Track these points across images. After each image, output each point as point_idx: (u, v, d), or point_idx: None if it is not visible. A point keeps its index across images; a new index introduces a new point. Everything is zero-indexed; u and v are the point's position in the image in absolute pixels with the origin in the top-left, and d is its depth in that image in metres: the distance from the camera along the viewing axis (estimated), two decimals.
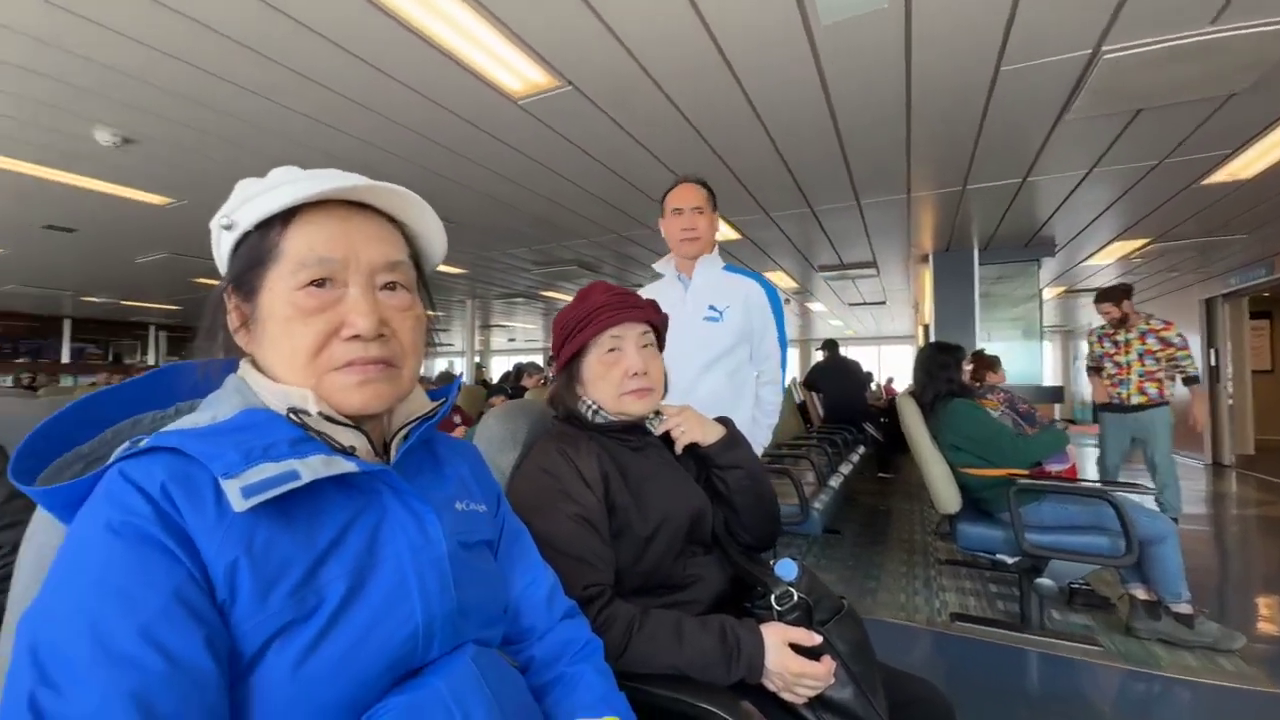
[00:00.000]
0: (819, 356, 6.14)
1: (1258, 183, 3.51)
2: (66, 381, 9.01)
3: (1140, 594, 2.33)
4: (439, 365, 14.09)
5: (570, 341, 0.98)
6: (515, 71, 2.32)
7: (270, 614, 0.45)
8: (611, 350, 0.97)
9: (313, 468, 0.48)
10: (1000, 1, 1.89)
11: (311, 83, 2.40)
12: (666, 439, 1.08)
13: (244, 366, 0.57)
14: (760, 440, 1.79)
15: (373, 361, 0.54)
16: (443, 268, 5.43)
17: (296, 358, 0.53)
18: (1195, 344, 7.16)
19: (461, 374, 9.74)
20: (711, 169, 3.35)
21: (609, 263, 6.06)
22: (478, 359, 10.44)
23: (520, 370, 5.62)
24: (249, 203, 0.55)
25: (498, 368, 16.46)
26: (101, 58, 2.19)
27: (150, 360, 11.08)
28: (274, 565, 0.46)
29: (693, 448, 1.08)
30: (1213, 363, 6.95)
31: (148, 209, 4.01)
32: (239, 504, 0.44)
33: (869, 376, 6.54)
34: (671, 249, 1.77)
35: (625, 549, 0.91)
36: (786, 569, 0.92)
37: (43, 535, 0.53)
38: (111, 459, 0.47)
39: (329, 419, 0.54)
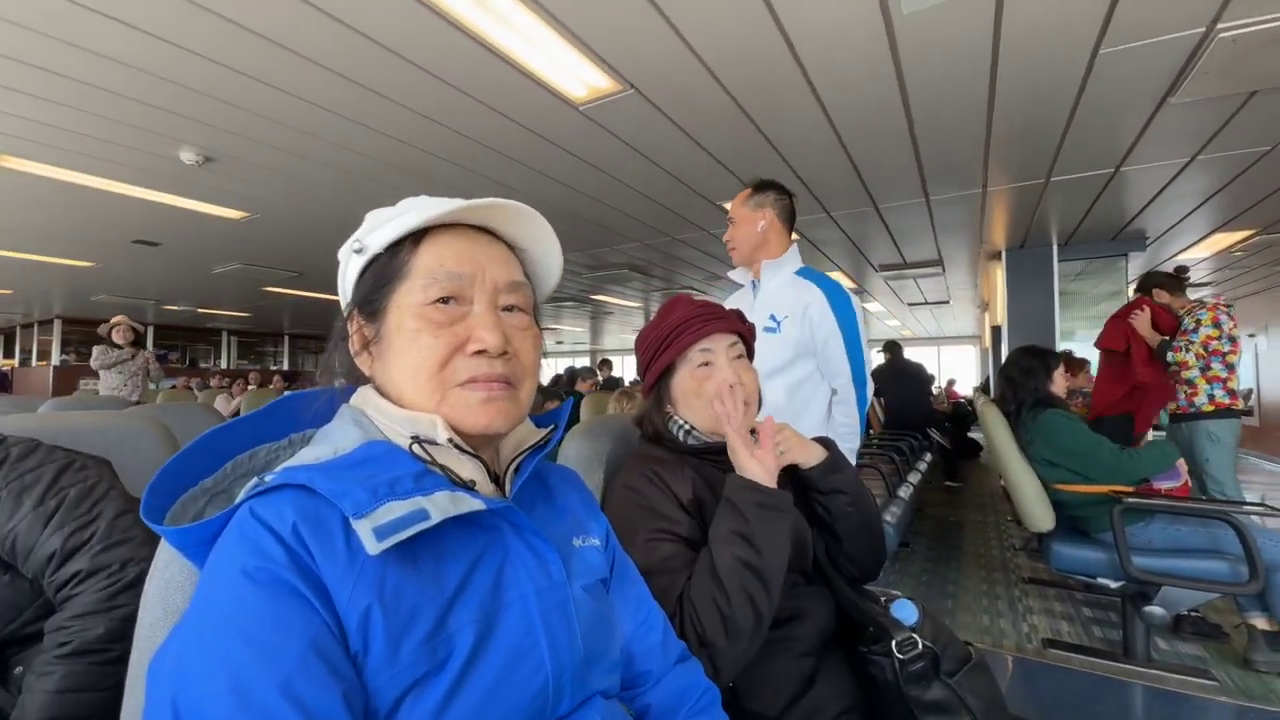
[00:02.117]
0: (879, 359, 5.92)
1: None
2: (149, 385, 9.62)
3: (1261, 624, 2.11)
4: None
5: (657, 360, 0.93)
6: (579, 78, 2.31)
7: (403, 667, 0.42)
8: (703, 365, 0.92)
9: (441, 506, 0.46)
10: None
11: (380, 97, 2.45)
12: None
13: (361, 394, 0.56)
14: None
15: (496, 378, 0.53)
16: None
17: (422, 371, 0.51)
18: None
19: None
20: (772, 168, 3.26)
21: (659, 265, 6.02)
22: None
23: (574, 374, 5.64)
24: (380, 228, 0.55)
25: (545, 370, 16.68)
26: (188, 81, 2.30)
27: (223, 364, 11.75)
28: (405, 612, 0.43)
29: (790, 469, 1.01)
30: None
31: (225, 223, 4.24)
32: (373, 546, 0.41)
33: (932, 379, 6.25)
34: None
35: None
36: (906, 611, 0.84)
37: (167, 571, 0.52)
38: (240, 497, 0.46)
39: (458, 448, 0.52)
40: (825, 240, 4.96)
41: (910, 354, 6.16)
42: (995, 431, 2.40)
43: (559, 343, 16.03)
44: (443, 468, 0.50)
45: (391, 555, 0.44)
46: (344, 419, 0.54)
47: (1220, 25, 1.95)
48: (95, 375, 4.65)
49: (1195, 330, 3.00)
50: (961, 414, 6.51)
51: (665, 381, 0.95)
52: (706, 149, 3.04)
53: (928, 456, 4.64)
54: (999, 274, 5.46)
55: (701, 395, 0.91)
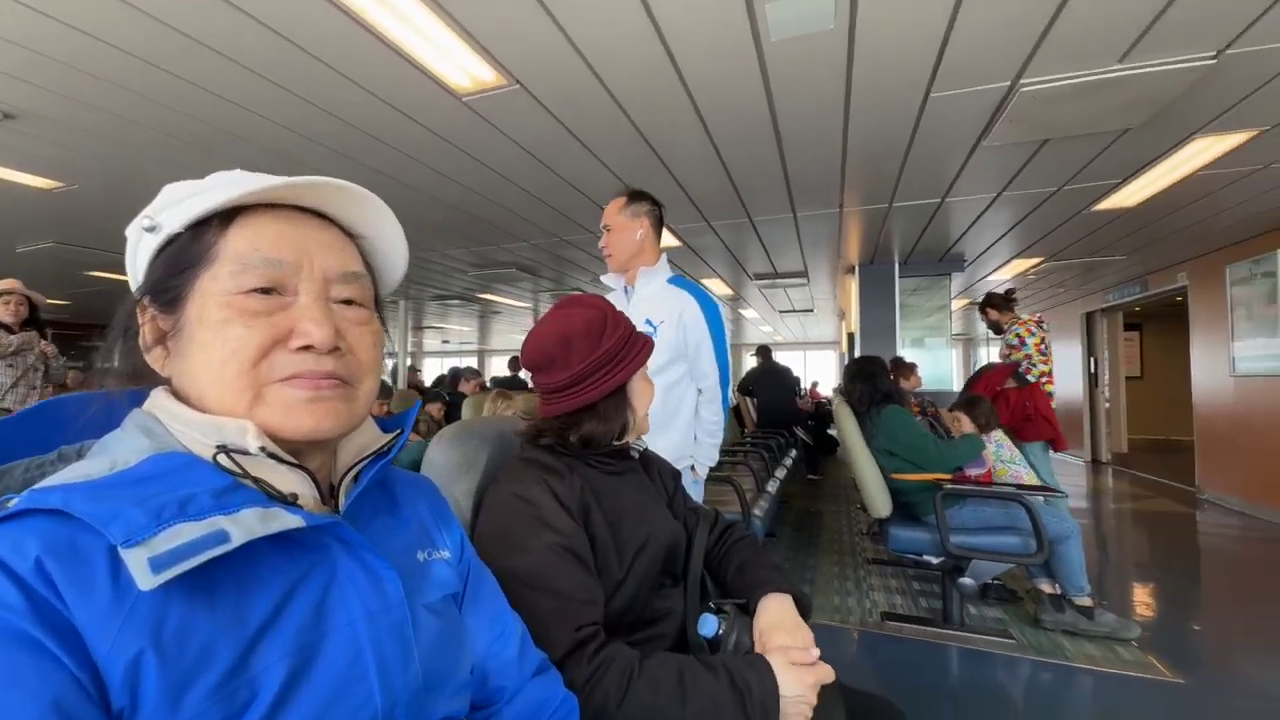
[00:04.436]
0: (752, 362, 6.30)
1: (1138, 211, 3.93)
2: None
3: (1046, 588, 2.53)
4: None
5: (624, 366, 0.91)
6: (462, 68, 2.20)
7: None
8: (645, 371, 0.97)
9: (246, 525, 0.39)
10: (934, 30, 1.99)
11: (235, 64, 2.17)
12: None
13: (155, 398, 0.47)
14: (704, 459, 1.77)
15: (324, 376, 0.46)
16: None
17: (230, 366, 0.44)
18: (1076, 353, 7.95)
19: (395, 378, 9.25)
20: (656, 176, 3.35)
21: (548, 266, 5.94)
22: (410, 361, 9.97)
23: (457, 375, 5.37)
24: (180, 203, 0.46)
25: (430, 370, 15.82)
26: None
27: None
28: (191, 656, 0.37)
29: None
30: (1092, 370, 7.76)
31: (31, 193, 3.54)
32: (145, 580, 0.35)
33: (798, 381, 6.78)
34: None
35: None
36: (707, 625, 0.87)
37: None
38: None
39: (274, 456, 0.45)
40: (705, 248, 5.19)
41: (779, 357, 6.65)
42: (846, 427, 2.66)
43: (445, 342, 15.26)
44: (256, 480, 0.44)
45: (177, 588, 0.37)
46: (130, 427, 0.45)
47: (1023, 81, 2.31)
48: None
49: (1022, 344, 3.57)
50: (823, 413, 7.12)
51: (625, 386, 0.94)
52: (594, 152, 3.05)
53: (793, 453, 5.03)
54: (853, 286, 6.06)
55: (645, 399, 0.96)
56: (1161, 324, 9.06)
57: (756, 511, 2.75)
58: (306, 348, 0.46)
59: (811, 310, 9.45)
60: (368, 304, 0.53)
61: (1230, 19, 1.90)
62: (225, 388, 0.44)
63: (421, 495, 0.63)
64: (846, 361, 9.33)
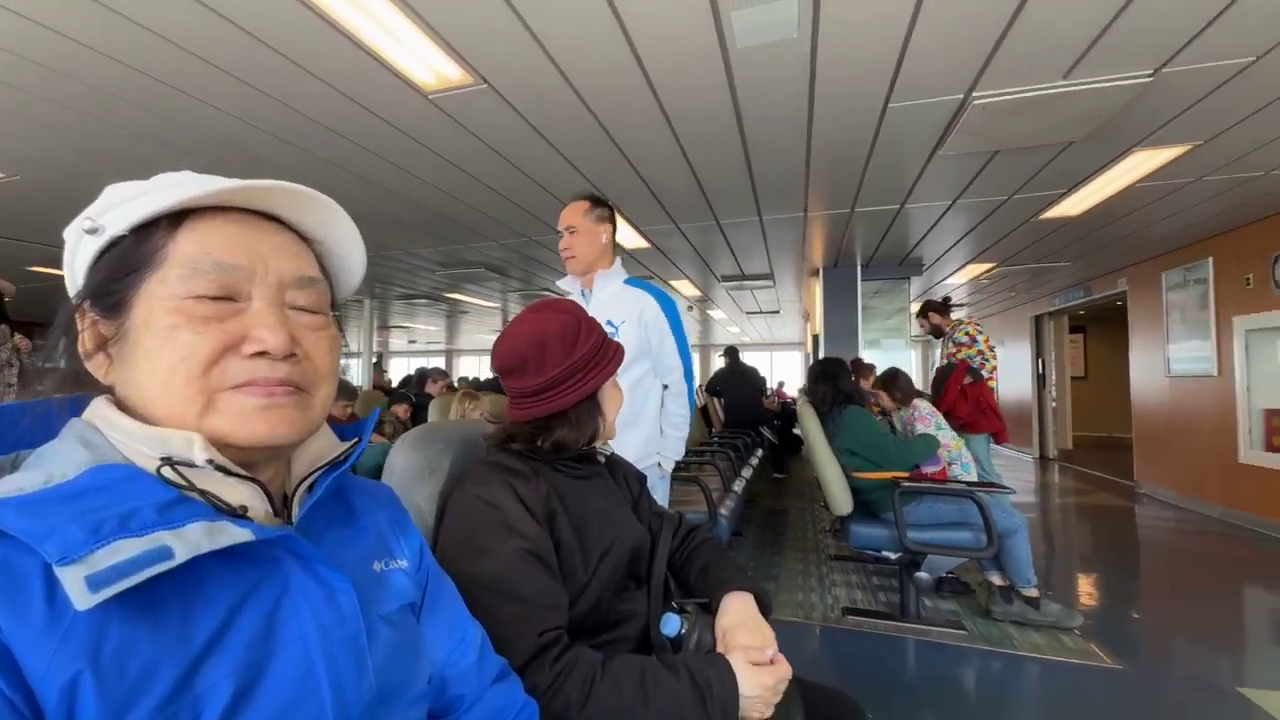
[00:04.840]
0: (721, 363, 6.37)
1: (1081, 220, 4.13)
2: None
3: (996, 580, 2.64)
4: None
5: (598, 373, 0.91)
6: (428, 65, 2.17)
7: None
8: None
9: (191, 541, 0.38)
10: (892, 43, 2.05)
11: (194, 57, 2.10)
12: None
13: (96, 407, 0.45)
14: (670, 453, 1.82)
15: (279, 382, 0.45)
16: None
17: (179, 373, 0.42)
18: (1025, 355, 8.30)
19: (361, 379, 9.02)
20: (624, 178, 3.36)
21: (517, 266, 5.88)
22: (375, 360, 9.72)
23: (424, 375, 5.27)
24: (123, 205, 0.45)
25: (396, 370, 15.46)
26: None
27: None
28: (132, 676, 0.35)
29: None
30: (1040, 370, 8.11)
31: None
32: (83, 600, 0.33)
33: (764, 381, 6.89)
34: None
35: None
36: (669, 625, 0.88)
37: None
38: None
39: (222, 469, 0.43)
40: (674, 250, 5.22)
41: (747, 358, 6.74)
42: (810, 427, 2.72)
43: (411, 342, 14.93)
44: (203, 493, 0.43)
45: (117, 607, 0.36)
46: (69, 438, 0.43)
47: (975, 94, 2.40)
48: None
49: (973, 342, 3.80)
50: (788, 413, 7.25)
51: (596, 392, 0.94)
52: (562, 153, 3.04)
53: (759, 452, 5.11)
54: (817, 289, 6.18)
55: (614, 407, 0.96)
56: (1104, 327, 9.52)
57: (723, 511, 2.78)
58: (261, 354, 0.45)
59: (778, 312, 9.61)
60: (323, 309, 0.52)
61: (1167, 40, 2.02)
62: (174, 395, 0.43)
63: (380, 504, 0.62)
64: (811, 362, 9.54)
